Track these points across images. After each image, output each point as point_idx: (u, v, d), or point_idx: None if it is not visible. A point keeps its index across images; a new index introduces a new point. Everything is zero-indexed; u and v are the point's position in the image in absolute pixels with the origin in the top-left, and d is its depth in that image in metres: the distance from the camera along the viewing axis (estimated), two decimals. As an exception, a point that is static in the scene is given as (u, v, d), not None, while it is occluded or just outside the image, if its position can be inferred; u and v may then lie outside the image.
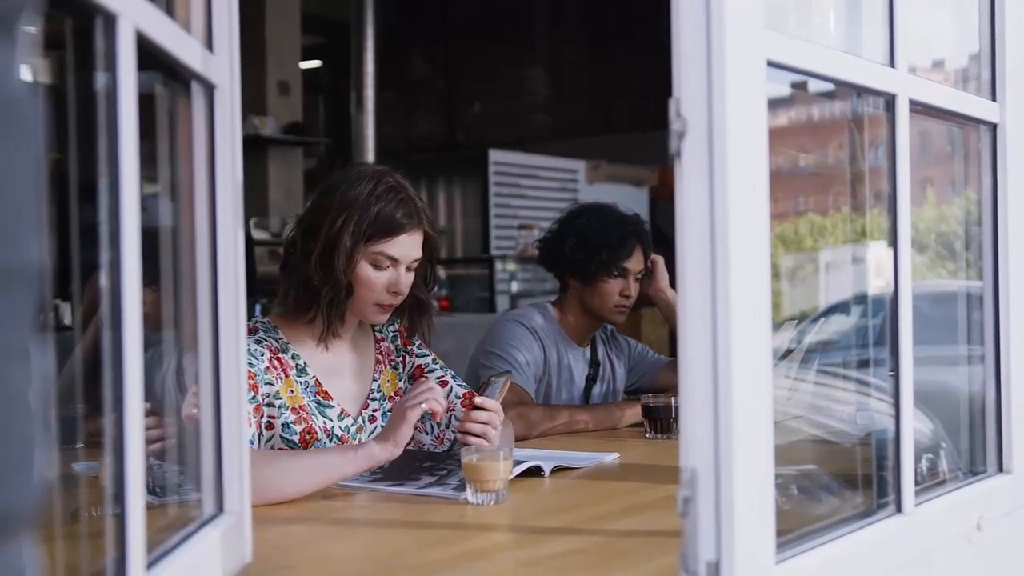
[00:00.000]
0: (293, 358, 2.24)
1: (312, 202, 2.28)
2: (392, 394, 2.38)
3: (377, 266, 2.20)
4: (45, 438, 0.63)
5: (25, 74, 0.62)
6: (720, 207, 1.18)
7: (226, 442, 1.40)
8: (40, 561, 0.64)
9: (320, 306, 2.21)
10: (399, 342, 2.43)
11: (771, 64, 1.26)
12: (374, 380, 2.36)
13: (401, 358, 2.43)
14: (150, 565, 1.10)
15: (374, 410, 2.35)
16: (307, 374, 2.24)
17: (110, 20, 1.01)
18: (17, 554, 0.60)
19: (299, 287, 2.22)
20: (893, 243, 1.55)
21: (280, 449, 2.17)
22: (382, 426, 2.31)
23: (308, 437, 2.19)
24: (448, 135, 10.55)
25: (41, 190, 0.63)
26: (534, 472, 2.13)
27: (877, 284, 1.95)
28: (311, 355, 2.27)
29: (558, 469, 2.20)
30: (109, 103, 1.02)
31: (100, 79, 1.03)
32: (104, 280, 1.02)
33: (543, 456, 2.21)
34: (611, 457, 2.38)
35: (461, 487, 1.93)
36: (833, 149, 2.07)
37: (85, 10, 0.99)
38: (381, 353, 2.40)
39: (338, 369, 2.31)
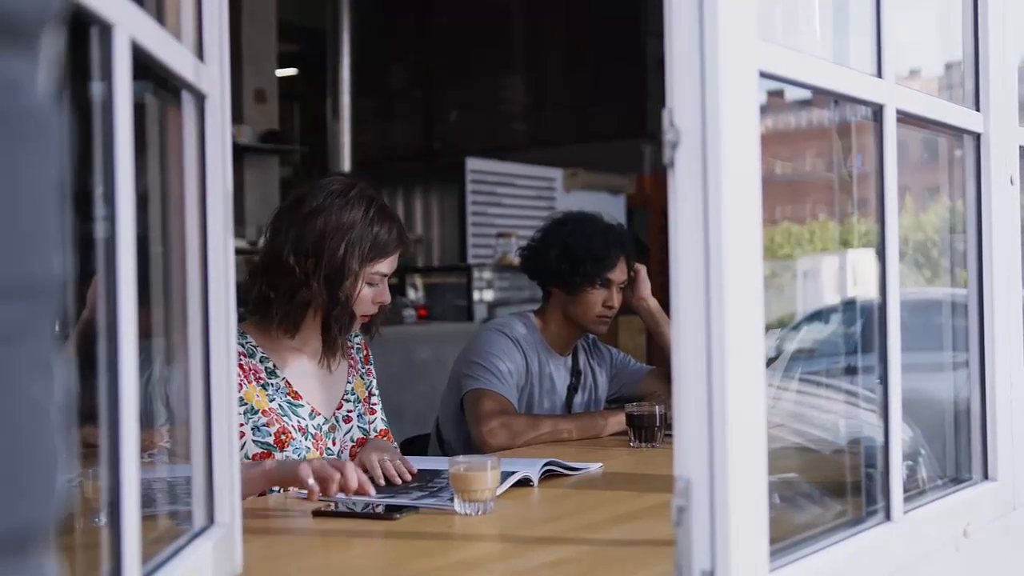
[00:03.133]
0: (262, 361, 2.30)
1: (296, 220, 2.28)
2: (362, 399, 2.47)
3: (370, 284, 2.31)
4: (66, 452, 0.62)
5: (47, 86, 0.62)
6: (714, 216, 1.18)
7: (217, 454, 1.39)
8: (62, 574, 0.64)
9: (331, 328, 2.29)
10: (361, 355, 2.53)
11: (763, 74, 1.27)
12: (348, 382, 2.44)
13: (366, 370, 2.53)
14: (144, 578, 1.10)
15: (348, 411, 2.42)
16: (277, 376, 2.30)
17: (106, 30, 1.00)
18: (40, 568, 0.60)
19: (300, 308, 2.27)
20: (881, 251, 1.56)
21: (253, 455, 2.21)
22: (358, 427, 2.42)
23: (283, 437, 2.25)
24: (425, 143, 10.55)
25: (63, 203, 0.62)
26: (522, 482, 2.13)
27: (856, 292, 1.96)
28: (282, 358, 2.33)
29: (548, 475, 2.20)
30: (105, 112, 1.02)
31: (95, 88, 1.02)
32: (100, 290, 1.02)
33: (529, 464, 2.21)
34: (596, 467, 2.38)
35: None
36: (810, 157, 2.08)
37: (81, 19, 0.98)
38: (352, 359, 2.49)
39: (311, 372, 2.37)
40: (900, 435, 1.56)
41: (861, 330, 1.84)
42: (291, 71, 10.31)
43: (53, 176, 0.61)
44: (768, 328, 2.16)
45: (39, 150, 0.60)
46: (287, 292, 2.26)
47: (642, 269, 3.18)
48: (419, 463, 2.29)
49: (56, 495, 0.61)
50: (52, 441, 0.61)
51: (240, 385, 2.21)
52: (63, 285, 0.63)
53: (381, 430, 2.50)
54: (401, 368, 5.66)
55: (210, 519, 1.38)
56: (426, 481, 2.15)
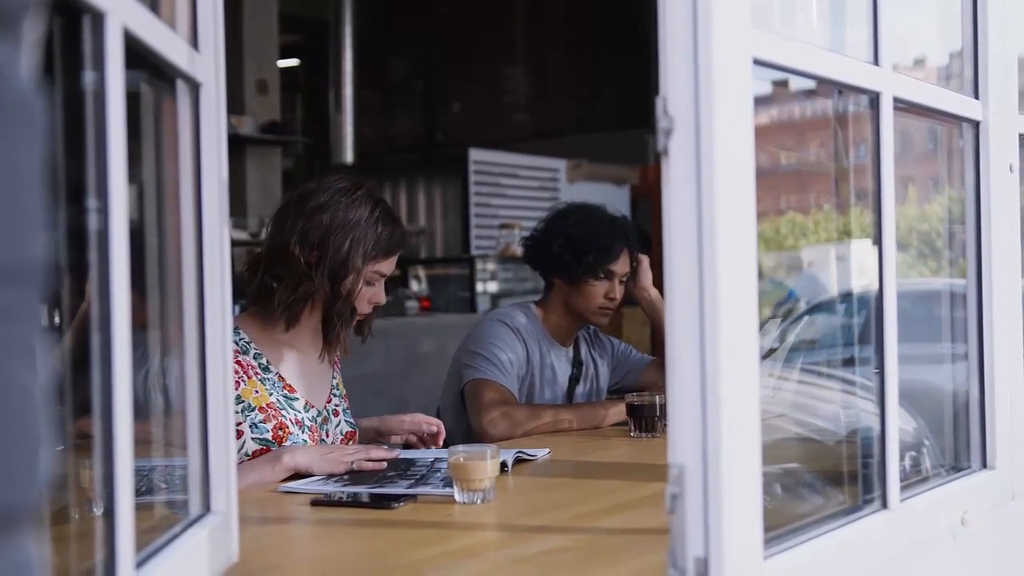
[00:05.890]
0: (255, 357, 2.32)
1: (302, 214, 2.30)
2: (344, 395, 2.52)
3: (369, 282, 2.34)
4: (49, 434, 0.63)
5: (29, 72, 0.62)
6: (707, 204, 1.18)
7: (212, 442, 1.39)
8: (44, 557, 0.65)
9: (330, 322, 2.33)
10: (339, 353, 2.55)
11: (757, 62, 1.27)
12: (333, 378, 2.49)
13: (340, 368, 2.57)
14: (139, 565, 1.10)
15: (336, 405, 2.47)
16: (271, 371, 2.33)
17: (98, 18, 1.00)
18: (24, 549, 0.61)
19: (302, 300, 2.30)
20: (878, 241, 1.56)
21: (253, 452, 2.24)
22: (346, 421, 2.47)
23: (280, 433, 2.28)
24: (428, 134, 10.55)
25: (47, 189, 0.63)
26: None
27: (859, 283, 1.96)
28: (275, 353, 2.36)
29: (519, 461, 2.26)
30: (97, 102, 1.02)
31: (87, 77, 1.03)
32: (93, 281, 1.02)
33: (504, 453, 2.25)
34: (542, 452, 2.41)
35: (448, 484, 1.93)
36: (814, 147, 2.08)
37: (73, 8, 0.98)
38: (336, 356, 2.52)
39: (301, 366, 2.40)
40: (896, 423, 1.56)
41: (863, 320, 1.84)
42: (293, 62, 10.31)
43: (36, 162, 0.62)
44: (773, 319, 2.16)
45: (21, 136, 0.60)
46: (290, 284, 2.28)
47: (644, 259, 3.17)
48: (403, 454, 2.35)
49: (40, 476, 0.62)
50: (36, 423, 0.61)
51: (238, 383, 2.23)
52: (48, 271, 0.64)
53: (347, 432, 2.51)
54: (403, 360, 5.66)
55: (206, 507, 1.39)
56: (404, 470, 2.15)
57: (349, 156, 8.95)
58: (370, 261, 2.31)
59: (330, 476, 2.11)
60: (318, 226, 2.28)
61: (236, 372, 2.24)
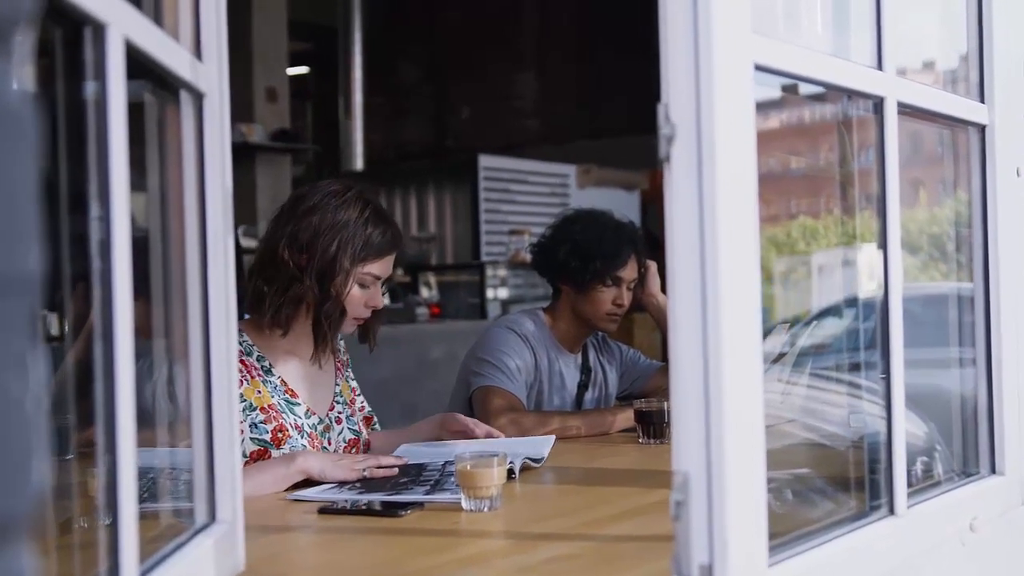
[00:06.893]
0: (258, 360, 2.33)
1: (293, 217, 2.32)
2: (348, 401, 2.51)
3: (362, 285, 2.34)
4: (42, 445, 0.63)
5: (21, 84, 0.63)
6: (709, 211, 1.18)
7: (218, 451, 1.39)
8: (38, 568, 0.65)
9: (320, 324, 2.33)
10: (345, 357, 2.57)
11: (759, 68, 1.27)
12: (336, 384, 2.49)
13: (349, 371, 2.58)
14: (143, 574, 1.10)
15: (339, 412, 2.47)
16: (273, 375, 2.34)
17: (99, 29, 1.01)
18: (16, 560, 0.61)
19: (292, 303, 2.31)
20: (883, 245, 1.55)
21: (251, 453, 2.25)
22: (348, 428, 2.47)
23: (280, 435, 2.28)
24: (437, 140, 10.55)
25: (38, 199, 0.63)
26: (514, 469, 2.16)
27: (869, 287, 1.96)
28: (277, 358, 2.37)
29: (525, 469, 2.25)
30: (99, 112, 1.02)
31: (89, 88, 1.03)
32: (95, 290, 1.02)
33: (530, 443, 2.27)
34: (548, 443, 2.43)
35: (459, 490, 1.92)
36: (824, 151, 2.08)
37: (74, 19, 0.99)
38: (339, 362, 2.53)
39: (303, 373, 2.40)
40: (903, 429, 1.55)
41: (873, 325, 1.84)
42: (303, 69, 10.32)
43: (30, 174, 0.62)
44: (782, 323, 2.15)
45: (14, 147, 0.60)
46: (281, 287, 2.29)
47: (652, 265, 3.17)
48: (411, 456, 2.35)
49: (32, 487, 0.62)
50: (27, 434, 0.62)
51: (241, 382, 2.24)
52: (43, 282, 0.64)
53: (366, 418, 2.56)
54: (414, 366, 5.66)
55: (212, 516, 1.39)
56: (416, 476, 2.15)
57: (359, 163, 8.96)
58: (359, 262, 2.31)
59: (342, 484, 2.11)
60: (307, 228, 2.29)
61: (239, 372, 2.24)
